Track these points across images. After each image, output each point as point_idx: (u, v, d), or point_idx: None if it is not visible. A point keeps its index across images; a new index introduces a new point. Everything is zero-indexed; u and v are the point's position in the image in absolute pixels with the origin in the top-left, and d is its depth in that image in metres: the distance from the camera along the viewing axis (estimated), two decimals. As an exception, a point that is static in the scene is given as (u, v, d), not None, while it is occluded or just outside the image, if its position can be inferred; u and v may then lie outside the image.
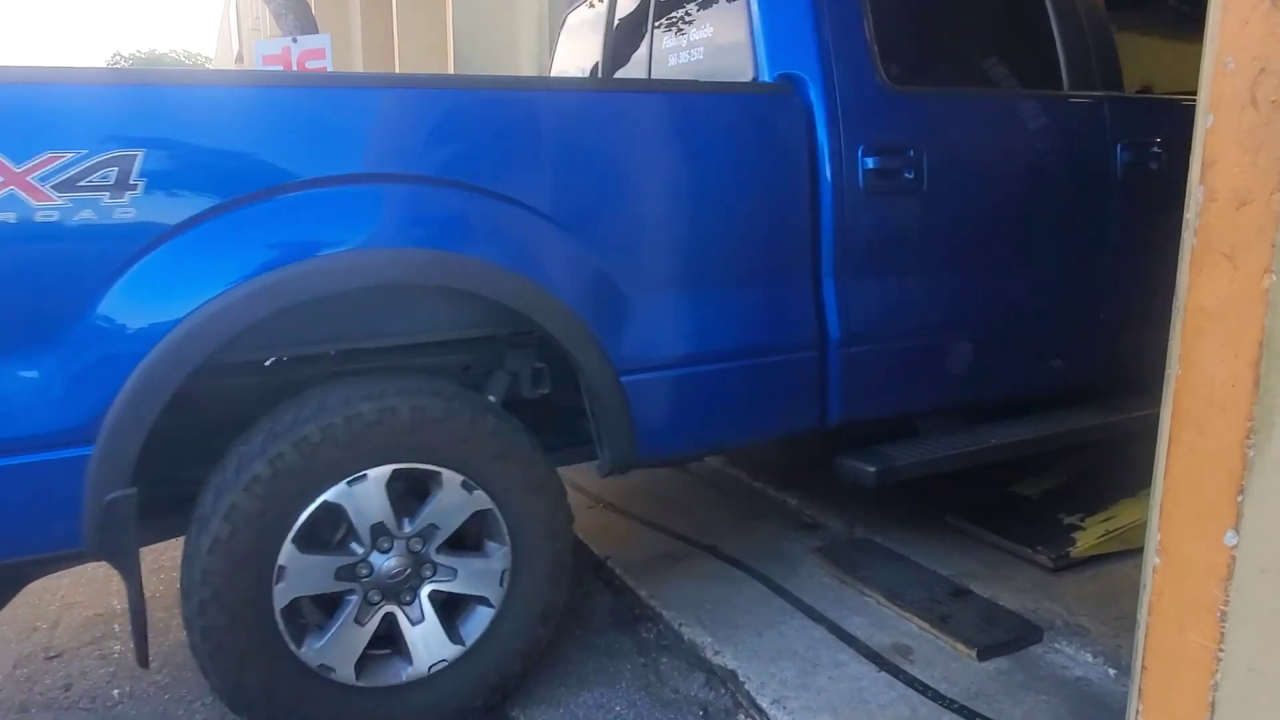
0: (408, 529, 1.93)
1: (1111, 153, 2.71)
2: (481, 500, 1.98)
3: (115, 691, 2.28)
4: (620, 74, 3.16)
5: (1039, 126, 2.65)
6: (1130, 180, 2.72)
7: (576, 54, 3.58)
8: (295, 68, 6.35)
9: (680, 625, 2.48)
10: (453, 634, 2.01)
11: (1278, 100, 1.04)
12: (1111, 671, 2.18)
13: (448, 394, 1.95)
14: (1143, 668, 1.27)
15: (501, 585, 2.03)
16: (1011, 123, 2.61)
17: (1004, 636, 2.31)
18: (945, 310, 2.54)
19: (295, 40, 6.52)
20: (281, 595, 1.81)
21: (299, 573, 1.83)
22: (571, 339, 2.03)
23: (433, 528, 1.96)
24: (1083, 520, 2.84)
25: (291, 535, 1.81)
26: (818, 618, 2.48)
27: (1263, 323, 1.07)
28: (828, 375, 2.39)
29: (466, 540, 2.06)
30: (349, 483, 1.84)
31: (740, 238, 2.25)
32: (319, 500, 1.82)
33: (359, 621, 1.91)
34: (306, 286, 1.77)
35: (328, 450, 1.80)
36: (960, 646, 2.29)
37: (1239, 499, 1.12)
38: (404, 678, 1.96)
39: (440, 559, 1.99)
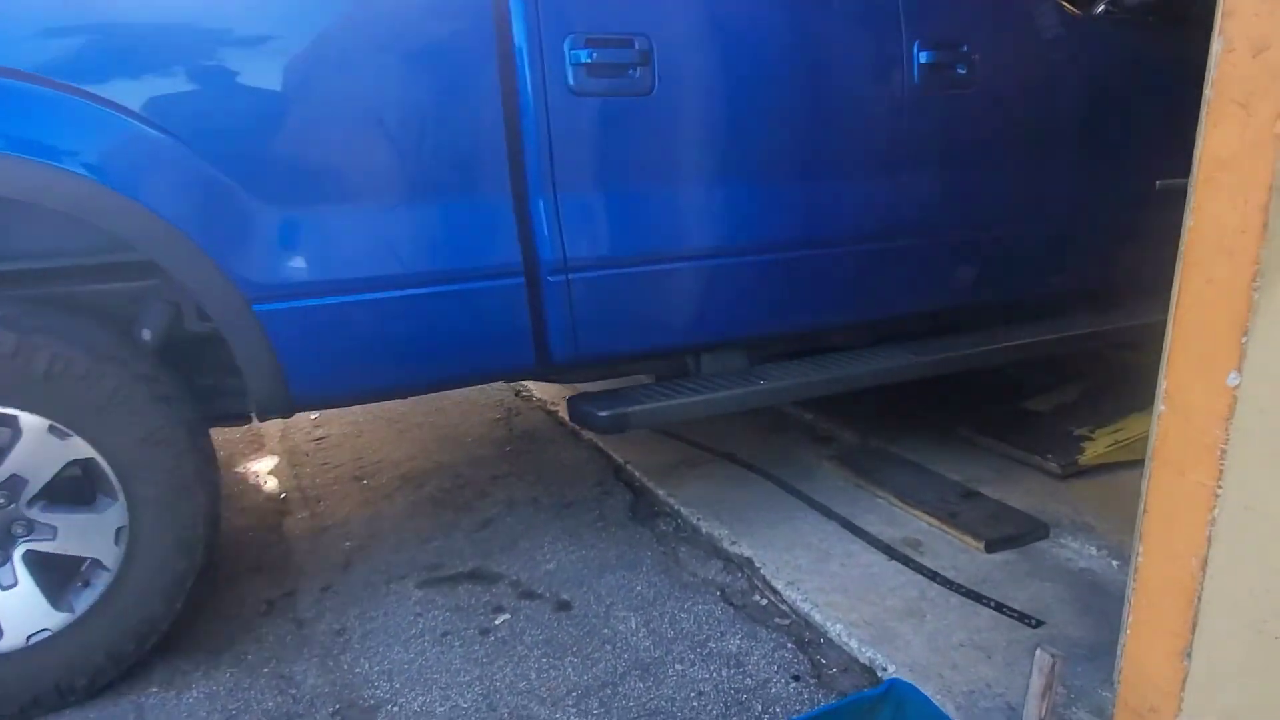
0: None
1: (907, 53, 2.33)
2: (79, 448, 1.71)
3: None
4: None
5: (806, 18, 2.24)
6: (931, 86, 2.37)
7: None
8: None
9: (698, 520, 2.58)
10: (59, 600, 1.78)
11: (1298, -53, 1.08)
12: (1114, 563, 2.26)
13: None
14: (1144, 511, 1.34)
15: (118, 545, 1.79)
16: (769, 13, 2.19)
17: (1011, 531, 2.39)
18: (699, 232, 2.19)
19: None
20: None
21: None
22: (174, 259, 1.72)
23: (17, 479, 1.71)
24: (1092, 432, 2.90)
25: None
26: (830, 514, 2.57)
27: (1273, 167, 1.12)
28: (544, 306, 2.05)
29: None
30: None
31: (406, 144, 1.88)
32: None
33: None
34: None
35: None
36: (969, 539, 2.37)
37: (1243, 340, 1.17)
38: None
39: (36, 515, 1.75)
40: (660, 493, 2.77)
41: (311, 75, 1.78)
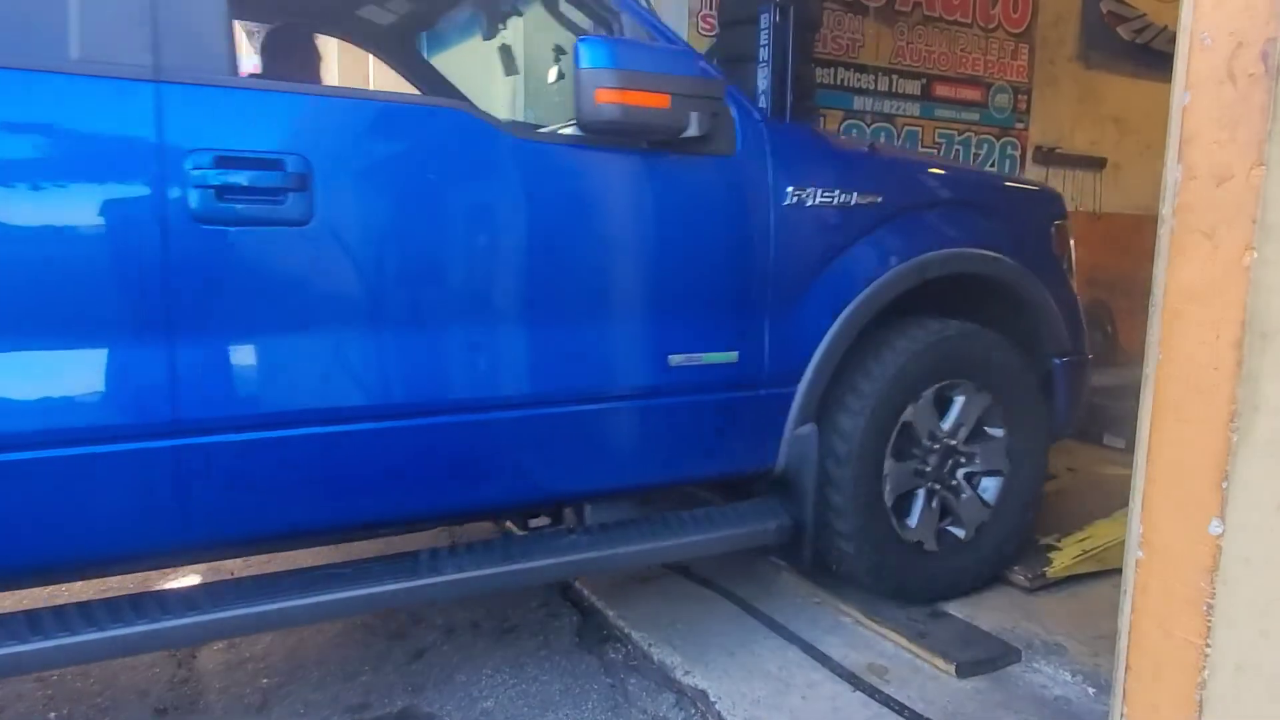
0: None
1: (174, 171, 1.63)
2: None
3: (52, 715, 2.15)
4: None
5: None
6: (222, 216, 1.67)
7: None
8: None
9: (649, 645, 2.40)
10: None
11: (1255, 74, 1.03)
12: (1091, 690, 2.13)
13: None
14: (1126, 668, 1.22)
15: None
16: None
17: (983, 654, 2.26)
18: None
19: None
20: None
21: None
22: None
23: None
24: (1058, 541, 2.81)
25: None
26: (791, 637, 2.41)
27: (1244, 302, 1.04)
28: None
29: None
30: None
31: None
32: None
33: None
34: None
35: None
36: (939, 662, 2.23)
37: (1223, 485, 1.08)
38: None
39: None
40: (610, 614, 2.59)
41: None
